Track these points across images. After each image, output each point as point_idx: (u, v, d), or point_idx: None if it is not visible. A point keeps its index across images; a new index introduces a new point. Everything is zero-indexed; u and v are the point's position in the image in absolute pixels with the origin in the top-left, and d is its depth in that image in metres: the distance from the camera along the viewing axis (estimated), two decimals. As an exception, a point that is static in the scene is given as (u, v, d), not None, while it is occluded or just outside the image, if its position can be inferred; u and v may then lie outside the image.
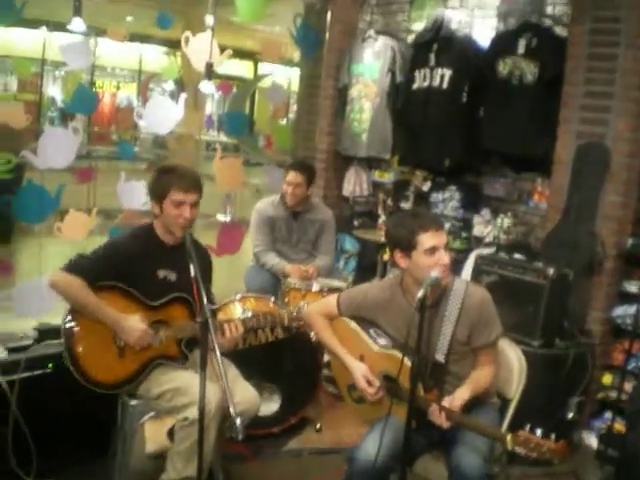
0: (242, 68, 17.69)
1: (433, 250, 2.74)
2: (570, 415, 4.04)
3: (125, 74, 17.64)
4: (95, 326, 2.96)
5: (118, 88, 17.50)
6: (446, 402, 2.69)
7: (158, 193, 3.09)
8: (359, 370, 2.95)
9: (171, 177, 3.08)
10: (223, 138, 14.10)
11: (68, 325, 2.97)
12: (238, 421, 2.33)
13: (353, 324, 3.04)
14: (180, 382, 3.03)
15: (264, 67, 17.28)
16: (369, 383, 2.91)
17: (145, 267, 3.10)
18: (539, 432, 2.34)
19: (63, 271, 2.94)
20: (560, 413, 3.97)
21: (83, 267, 2.96)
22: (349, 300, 3.10)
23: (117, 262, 3.03)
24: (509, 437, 2.39)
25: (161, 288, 3.11)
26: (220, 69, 5.07)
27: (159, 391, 3.05)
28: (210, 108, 17.91)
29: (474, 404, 2.80)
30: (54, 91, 15.26)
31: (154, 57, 16.26)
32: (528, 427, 2.37)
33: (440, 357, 2.81)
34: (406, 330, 2.59)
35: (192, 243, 2.84)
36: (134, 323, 2.96)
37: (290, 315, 3.35)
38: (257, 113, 17.57)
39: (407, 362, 2.62)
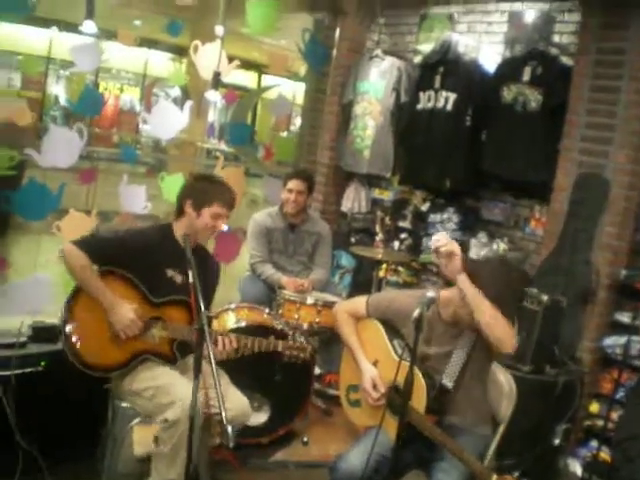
0: (246, 78, 17.75)
1: None
2: (556, 441, 4.06)
3: (130, 77, 17.66)
4: (94, 309, 3.01)
5: (122, 91, 17.51)
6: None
7: (201, 199, 3.18)
8: (369, 372, 3.00)
9: (217, 189, 3.22)
10: (223, 147, 14.12)
11: (69, 303, 3.02)
12: (229, 428, 2.35)
13: (381, 328, 3.08)
14: (163, 381, 3.05)
15: (268, 79, 17.34)
16: (374, 387, 2.94)
17: (156, 262, 3.15)
18: None
19: (74, 244, 2.99)
20: (547, 439, 3.99)
21: (91, 243, 3.03)
22: (377, 303, 3.16)
23: (131, 248, 3.09)
24: (494, 477, 2.39)
25: (166, 287, 3.16)
26: (226, 78, 5.10)
27: (141, 387, 3.07)
28: (212, 116, 17.93)
29: (464, 432, 2.81)
30: (58, 90, 15.27)
31: (159, 62, 16.30)
32: (517, 474, 2.36)
33: (448, 382, 2.84)
34: (428, 345, 2.71)
35: (201, 250, 2.92)
36: (126, 312, 3.01)
37: (285, 345, 3.32)
38: (259, 124, 17.66)
39: (419, 380, 2.68)
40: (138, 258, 3.08)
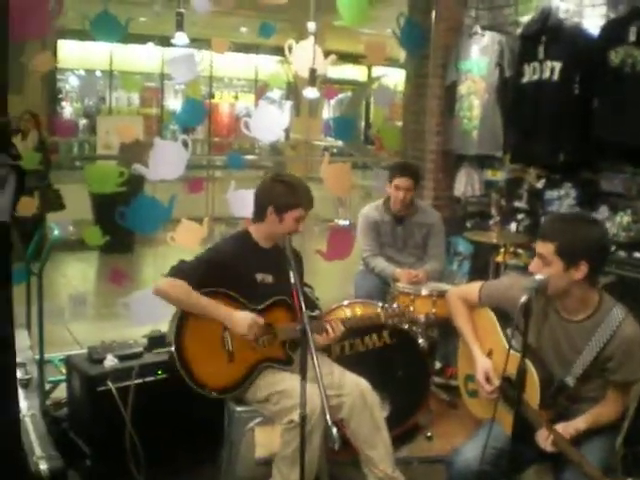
0: (357, 72, 17.72)
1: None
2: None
3: (243, 84, 18.04)
4: (204, 332, 3.06)
5: (236, 98, 17.89)
6: (559, 427, 2.55)
7: (283, 204, 3.21)
8: (482, 365, 2.86)
9: (299, 195, 3.24)
10: (340, 143, 14.14)
11: (177, 331, 3.05)
12: (334, 430, 2.30)
13: (493, 317, 2.95)
14: (285, 385, 3.08)
15: (379, 70, 17.24)
16: (488, 380, 2.82)
17: (244, 270, 3.20)
18: None
19: (166, 277, 3.06)
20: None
21: (185, 270, 3.08)
22: (490, 291, 2.98)
23: (218, 266, 3.14)
24: None
25: (260, 291, 3.21)
26: (333, 74, 5.06)
27: (266, 394, 3.11)
28: (328, 114, 18.01)
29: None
30: (175, 104, 15.76)
31: (270, 66, 16.55)
32: None
33: (570, 380, 2.63)
34: (544, 340, 2.62)
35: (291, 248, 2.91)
36: (244, 316, 3.06)
37: (386, 312, 3.38)
38: (373, 116, 17.60)
39: (532, 373, 2.56)
40: (228, 272, 3.13)
